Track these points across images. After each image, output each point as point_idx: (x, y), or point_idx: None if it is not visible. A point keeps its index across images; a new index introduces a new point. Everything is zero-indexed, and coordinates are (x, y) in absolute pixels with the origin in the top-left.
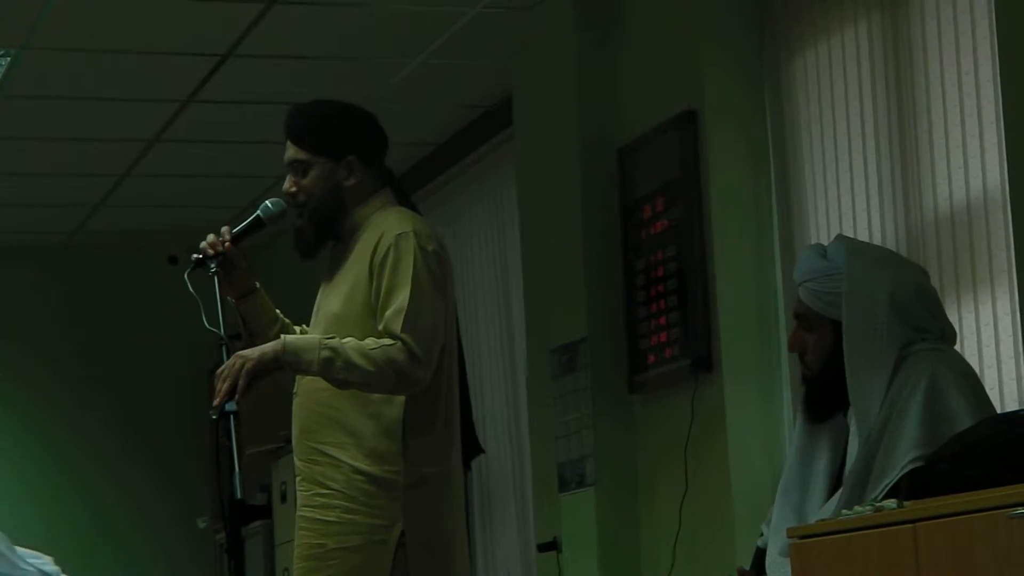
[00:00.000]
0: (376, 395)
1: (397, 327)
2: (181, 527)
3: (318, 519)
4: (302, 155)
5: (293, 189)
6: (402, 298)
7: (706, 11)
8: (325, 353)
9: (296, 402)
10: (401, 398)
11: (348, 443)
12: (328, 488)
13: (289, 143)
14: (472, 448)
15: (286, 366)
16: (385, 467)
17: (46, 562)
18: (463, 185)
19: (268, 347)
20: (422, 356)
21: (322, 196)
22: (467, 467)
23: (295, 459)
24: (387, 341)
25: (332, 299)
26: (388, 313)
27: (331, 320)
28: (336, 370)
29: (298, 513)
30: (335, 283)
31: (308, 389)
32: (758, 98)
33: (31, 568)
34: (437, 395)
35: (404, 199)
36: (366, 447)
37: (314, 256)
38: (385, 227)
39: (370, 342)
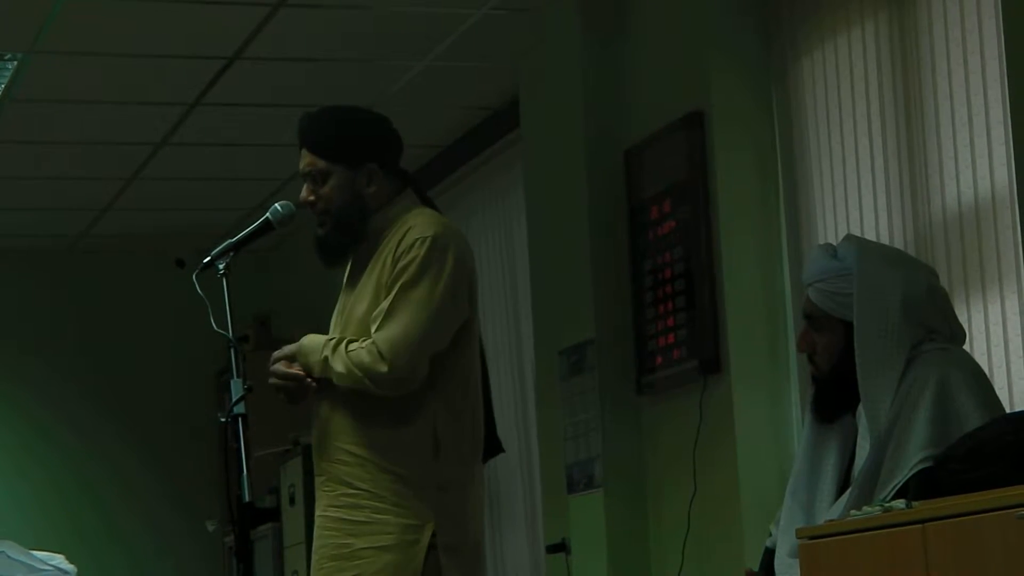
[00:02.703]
0: (406, 397)
1: (374, 327)
2: (190, 530)
3: (345, 519)
4: (320, 163)
5: (311, 198)
6: (393, 300)
7: (712, 12)
8: (326, 353)
9: (322, 403)
10: (431, 401)
11: (377, 444)
12: (356, 488)
13: (305, 151)
14: (492, 447)
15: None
16: (415, 468)
17: (60, 560)
18: (470, 187)
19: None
20: (388, 356)
21: (343, 204)
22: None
23: (317, 460)
24: (367, 340)
25: (359, 303)
26: (376, 312)
27: (359, 324)
28: (328, 370)
29: (321, 514)
30: (360, 286)
31: (336, 390)
32: (765, 98)
33: (50, 568)
34: (466, 398)
35: (425, 199)
36: (396, 448)
37: (339, 264)
38: (407, 230)
39: (361, 342)
